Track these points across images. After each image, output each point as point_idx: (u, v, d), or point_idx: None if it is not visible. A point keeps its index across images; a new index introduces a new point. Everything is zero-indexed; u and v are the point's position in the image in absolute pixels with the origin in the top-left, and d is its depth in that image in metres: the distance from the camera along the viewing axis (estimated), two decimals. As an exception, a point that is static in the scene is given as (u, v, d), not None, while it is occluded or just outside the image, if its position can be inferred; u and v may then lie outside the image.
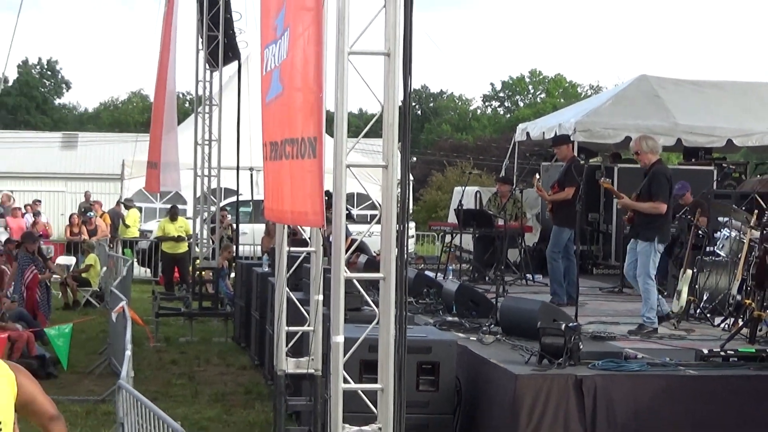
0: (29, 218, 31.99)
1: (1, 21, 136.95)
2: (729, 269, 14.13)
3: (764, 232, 13.19)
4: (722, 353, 11.03)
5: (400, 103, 7.39)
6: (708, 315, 14.24)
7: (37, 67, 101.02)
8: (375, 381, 7.67)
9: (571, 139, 19.59)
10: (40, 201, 37.67)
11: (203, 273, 24.04)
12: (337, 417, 7.53)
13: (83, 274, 26.48)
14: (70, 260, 27.94)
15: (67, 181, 48.74)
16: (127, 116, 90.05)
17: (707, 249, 15.17)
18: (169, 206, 30.17)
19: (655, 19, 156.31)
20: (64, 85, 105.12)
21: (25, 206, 35.65)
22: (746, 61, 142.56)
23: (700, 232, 15.51)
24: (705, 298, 14.60)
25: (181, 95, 39.21)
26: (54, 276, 25.33)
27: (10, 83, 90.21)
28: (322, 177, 7.64)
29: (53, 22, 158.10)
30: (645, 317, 13.07)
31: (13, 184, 41.75)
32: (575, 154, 18.87)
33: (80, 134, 67.25)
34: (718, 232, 15.13)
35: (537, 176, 18.83)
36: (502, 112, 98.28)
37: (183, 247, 26.13)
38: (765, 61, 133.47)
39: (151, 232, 32.00)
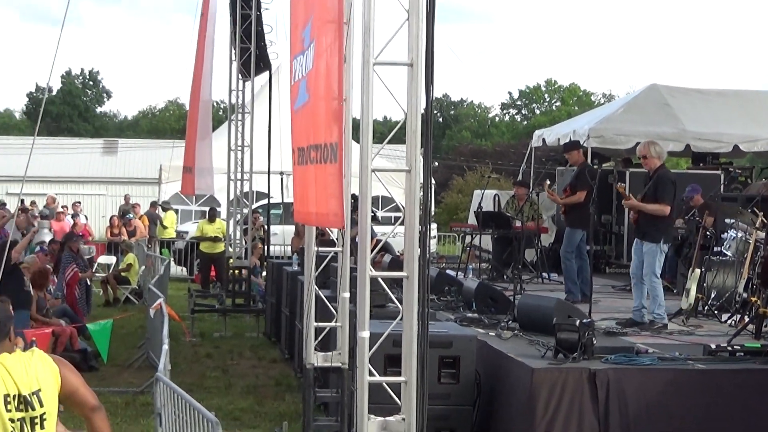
0: (70, 219, 32.09)
1: (46, 35, 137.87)
2: (735, 268, 14.10)
3: (767, 234, 13.17)
4: (729, 348, 11.01)
5: (423, 111, 7.39)
6: (715, 312, 14.21)
7: (80, 77, 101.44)
8: (399, 374, 7.67)
9: (585, 144, 19.61)
10: (79, 203, 37.76)
11: (236, 271, 24.15)
12: (363, 408, 7.53)
13: (123, 273, 26.58)
14: (111, 259, 28.04)
15: (108, 185, 48.94)
16: (164, 123, 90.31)
17: (715, 249, 15.15)
18: (203, 209, 30.26)
19: (665, 31, 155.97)
20: (105, 95, 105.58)
21: (63, 207, 35.79)
22: (751, 71, 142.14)
23: (708, 232, 15.50)
24: (713, 295, 14.58)
25: (215, 104, 39.29)
26: (95, 274, 25.48)
27: (54, 93, 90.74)
28: (342, 181, 7.66)
29: (95, 35, 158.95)
30: (655, 314, 13.04)
31: (57, 188, 41.90)
32: (588, 159, 18.89)
33: (120, 141, 67.50)
34: (725, 233, 15.10)
35: (548, 182, 18.88)
36: (519, 120, 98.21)
37: (220, 247, 26.18)
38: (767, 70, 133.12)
39: (187, 233, 32.07)
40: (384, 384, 7.74)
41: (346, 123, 9.90)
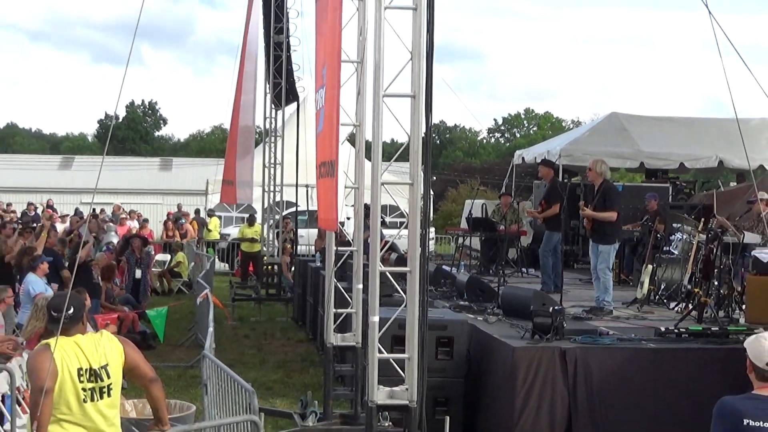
0: (136, 224, 32.09)
1: (113, 72, 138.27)
2: (681, 264, 14.08)
3: (708, 235, 13.17)
4: (676, 331, 11.01)
5: (423, 135, 7.38)
6: (665, 300, 14.21)
7: (141, 107, 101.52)
8: (403, 351, 7.66)
9: (557, 162, 19.62)
10: (135, 211, 37.71)
11: (270, 267, 24.21)
12: (373, 380, 7.52)
13: (176, 268, 26.60)
14: (166, 257, 28.03)
15: (164, 195, 48.89)
16: (210, 145, 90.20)
17: (664, 248, 15.14)
18: (243, 215, 30.26)
19: (623, 69, 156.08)
20: (161, 121, 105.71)
21: (129, 213, 35.83)
22: (692, 100, 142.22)
23: (658, 235, 15.52)
24: (662, 287, 14.57)
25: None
26: (154, 269, 25.50)
27: (120, 120, 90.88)
28: (336, 192, 7.69)
29: (153, 72, 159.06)
30: (605, 301, 13.13)
31: (121, 198, 41.92)
32: (560, 174, 18.94)
33: (174, 159, 67.45)
34: (673, 236, 15.09)
35: (525, 204, 19.03)
36: (503, 142, 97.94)
37: (257, 247, 26.19)
38: (707, 100, 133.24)
39: (229, 235, 32.08)
40: (391, 360, 7.73)
41: (360, 144, 9.93)
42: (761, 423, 4.91)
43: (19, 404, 9.23)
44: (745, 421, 4.92)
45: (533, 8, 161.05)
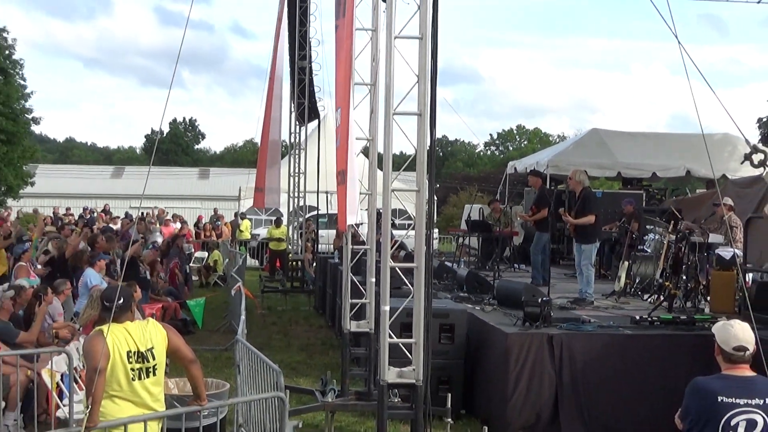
0: (178, 225, 32.13)
1: (159, 94, 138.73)
2: (654, 261, 14.07)
3: (677, 236, 13.17)
4: (649, 319, 11.04)
5: (428, 148, 7.38)
6: (639, 292, 14.21)
7: (182, 123, 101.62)
8: (410, 337, 7.64)
9: (545, 171, 19.62)
10: (177, 215, 37.71)
11: (294, 263, 24.25)
12: (384, 361, 7.51)
13: (212, 264, 26.63)
14: (204, 254, 28.06)
15: (202, 201, 48.90)
16: (242, 156, 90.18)
17: (639, 247, 15.14)
18: (271, 218, 30.27)
19: (603, 90, 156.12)
20: (200, 136, 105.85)
21: (173, 216, 35.88)
22: (663, 117, 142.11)
23: (633, 235, 15.54)
24: (637, 281, 14.57)
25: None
26: (193, 265, 25.57)
27: (164, 134, 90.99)
28: (345, 197, 7.70)
29: (193, 93, 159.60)
30: (587, 293, 13.16)
31: (165, 203, 41.94)
32: (548, 182, 18.95)
33: (211, 169, 67.54)
34: (647, 236, 15.07)
35: (517, 209, 19.13)
36: (498, 154, 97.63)
37: (283, 246, 26.18)
38: (674, 117, 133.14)
39: (258, 235, 32.08)
40: (400, 344, 7.72)
41: (372, 156, 9.94)
42: (733, 399, 4.93)
43: (76, 382, 9.25)
44: (719, 398, 4.94)
45: (524, 38, 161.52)
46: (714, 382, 5.07)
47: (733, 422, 4.90)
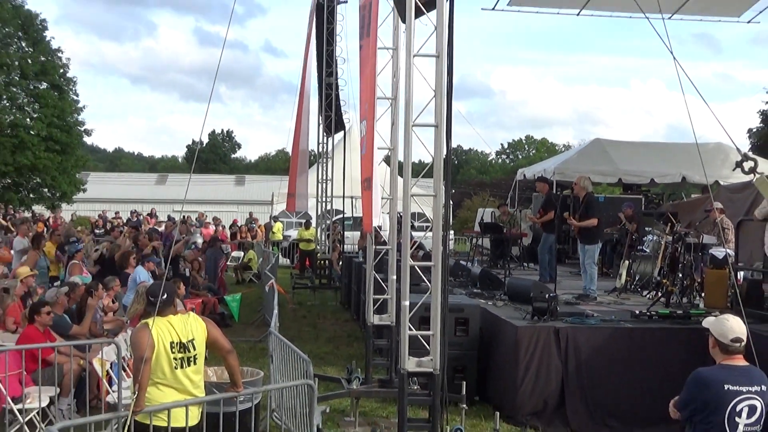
0: (215, 227, 32.26)
1: (198, 107, 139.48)
2: (652, 260, 14.02)
3: (673, 237, 13.12)
4: (648, 313, 10.99)
5: (444, 156, 7.37)
6: (638, 289, 14.16)
7: (220, 135, 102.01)
8: (428, 329, 7.63)
9: (552, 178, 19.56)
10: (217, 217, 37.83)
11: (322, 262, 24.29)
12: (404, 351, 7.51)
13: (248, 263, 26.69)
14: (240, 254, 28.12)
15: (238, 205, 49.01)
16: (275, 165, 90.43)
17: (638, 247, 15.08)
18: (301, 220, 30.31)
19: (605, 103, 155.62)
20: (236, 146, 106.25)
21: (213, 219, 36.00)
22: (660, 128, 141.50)
23: (633, 236, 15.46)
24: (637, 278, 14.51)
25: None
26: (229, 264, 25.65)
27: (204, 145, 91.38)
28: (371, 202, 7.69)
29: (230, 107, 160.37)
30: (591, 290, 13.12)
31: (205, 207, 42.04)
32: (554, 188, 18.89)
33: (246, 176, 67.75)
34: (645, 237, 15.01)
35: (527, 212, 19.08)
36: (508, 162, 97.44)
37: (312, 246, 26.19)
38: (669, 127, 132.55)
39: (290, 236, 32.13)
40: (419, 336, 7.71)
41: (394, 164, 9.94)
42: (738, 387, 4.92)
43: (124, 370, 9.29)
44: (726, 386, 4.93)
45: (532, 55, 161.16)
46: (718, 371, 5.05)
47: (738, 408, 4.90)
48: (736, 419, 4.88)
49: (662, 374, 9.59)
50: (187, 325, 6.32)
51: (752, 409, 4.90)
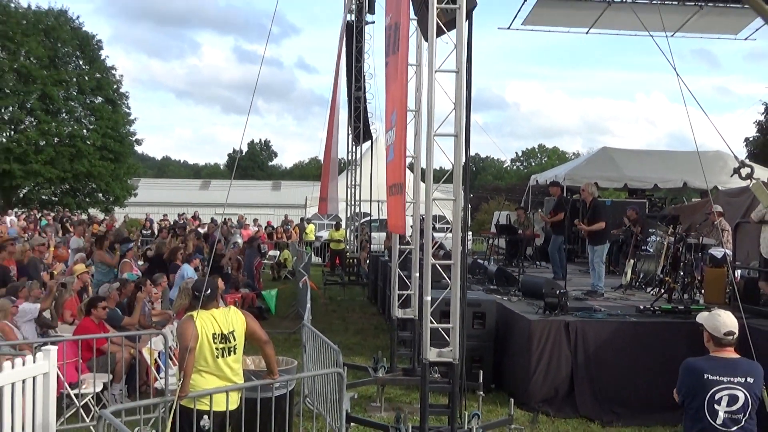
0: (255, 228, 32.35)
1: (238, 119, 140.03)
2: (655, 259, 13.94)
3: (675, 238, 13.03)
4: (651, 308, 10.92)
5: (463, 163, 7.35)
6: (643, 286, 14.07)
7: (259, 144, 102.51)
8: (448, 322, 7.61)
9: (562, 183, 19.44)
10: (256, 219, 37.97)
11: (351, 260, 24.31)
12: (426, 343, 7.49)
13: (283, 261, 26.76)
14: (276, 253, 28.20)
15: (274, 208, 49.11)
16: (308, 171, 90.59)
17: (642, 247, 14.99)
18: (332, 222, 30.37)
19: (611, 114, 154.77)
20: (273, 155, 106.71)
21: (253, 221, 36.16)
22: (662, 136, 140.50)
23: (638, 237, 15.35)
24: (641, 276, 14.43)
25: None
26: (267, 261, 25.73)
27: (243, 153, 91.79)
28: (404, 206, 7.67)
29: (267, 119, 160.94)
30: (598, 286, 13.06)
31: (244, 210, 42.06)
32: (565, 192, 18.79)
33: (282, 182, 67.98)
34: (649, 238, 14.91)
35: (540, 211, 18.98)
36: (522, 168, 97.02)
37: (342, 246, 26.21)
38: (671, 136, 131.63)
39: (321, 237, 32.17)
40: (439, 328, 7.69)
41: (417, 171, 9.92)
42: (717, 377, 4.91)
43: (171, 359, 9.34)
44: (705, 376, 4.93)
45: (543, 70, 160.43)
46: (701, 362, 5.06)
47: (717, 396, 4.89)
48: (715, 407, 4.88)
49: (664, 365, 9.48)
50: (228, 318, 6.34)
51: (733, 399, 4.87)
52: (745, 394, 4.88)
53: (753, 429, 4.93)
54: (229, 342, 6.28)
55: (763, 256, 9.88)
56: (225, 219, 32.34)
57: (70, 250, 17.82)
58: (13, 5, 40.88)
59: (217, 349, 6.21)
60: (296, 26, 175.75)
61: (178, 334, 6.40)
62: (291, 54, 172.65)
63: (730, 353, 5.05)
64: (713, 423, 4.88)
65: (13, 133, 40.04)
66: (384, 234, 23.75)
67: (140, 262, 16.90)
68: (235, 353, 6.33)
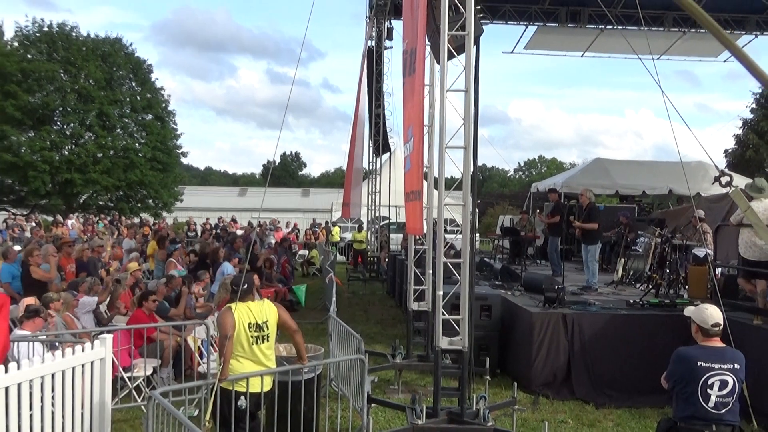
0: (287, 230, 32.40)
1: (271, 134, 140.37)
2: (644, 258, 13.86)
3: (662, 239, 12.95)
4: (640, 302, 10.83)
5: (471, 173, 7.34)
6: (633, 282, 13.95)
7: (290, 155, 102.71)
8: (458, 314, 7.59)
9: (560, 190, 19.36)
10: (294, 222, 38.03)
11: (372, 258, 24.31)
12: (439, 333, 7.48)
13: (312, 260, 26.79)
14: (305, 252, 28.24)
15: (304, 213, 49.19)
16: (334, 180, 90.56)
17: (632, 248, 14.89)
18: (355, 225, 30.37)
19: (604, 128, 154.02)
20: (302, 164, 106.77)
21: (287, 223, 36.22)
22: (649, 148, 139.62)
23: (628, 238, 15.27)
24: (631, 273, 14.33)
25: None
26: (297, 260, 25.78)
27: (276, 164, 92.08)
28: (422, 210, 7.65)
29: (297, 133, 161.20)
30: (592, 282, 12.96)
31: (277, 214, 42.20)
32: (562, 198, 18.71)
33: (311, 189, 68.06)
34: (638, 239, 14.81)
35: (539, 212, 18.90)
36: (524, 177, 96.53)
37: (364, 246, 26.23)
38: (657, 148, 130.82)
39: (345, 238, 32.19)
40: (450, 320, 7.67)
41: (430, 179, 9.90)
42: (710, 364, 4.88)
43: (212, 346, 9.37)
44: (699, 363, 4.90)
45: (542, 89, 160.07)
46: (694, 350, 5.01)
47: (710, 381, 4.85)
48: (708, 391, 4.84)
49: (652, 352, 9.43)
50: (262, 310, 6.36)
51: (723, 383, 4.83)
52: (733, 379, 4.85)
53: (737, 411, 4.91)
54: (263, 331, 6.30)
55: (741, 255, 9.77)
56: (260, 222, 32.45)
57: (123, 250, 17.94)
58: (74, 34, 41.33)
59: (252, 336, 6.23)
60: (321, 51, 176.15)
61: (218, 324, 6.42)
62: (317, 75, 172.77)
63: (717, 342, 5.02)
64: (706, 406, 4.84)
65: (74, 146, 40.39)
66: (401, 235, 23.75)
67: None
68: (268, 341, 6.34)
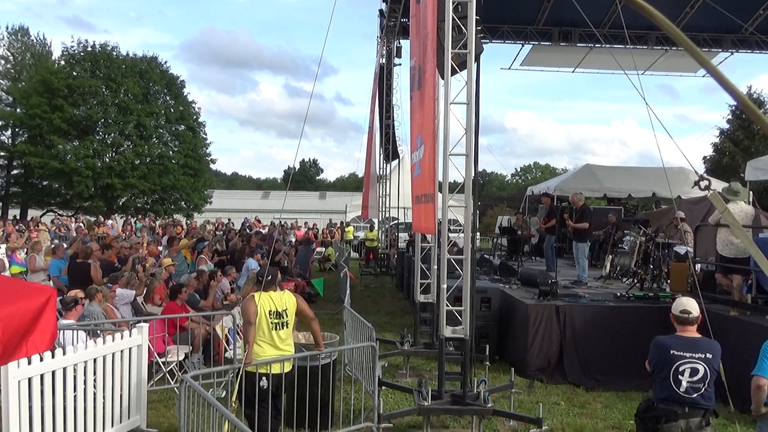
0: (304, 229, 32.45)
1: (291, 143, 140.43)
2: (630, 255, 13.76)
3: (646, 238, 12.87)
4: (626, 295, 10.78)
5: (472, 177, 7.32)
6: (619, 277, 13.88)
7: (308, 162, 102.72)
8: (460, 305, 7.58)
9: (553, 194, 19.30)
10: (306, 223, 38.03)
11: (382, 255, 24.29)
12: (443, 322, 7.46)
13: (328, 256, 26.80)
14: (322, 249, 28.28)
15: (321, 214, 49.25)
16: (348, 184, 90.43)
17: (619, 245, 14.80)
18: (367, 225, 30.38)
19: (593, 137, 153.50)
20: (319, 170, 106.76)
21: (304, 224, 36.23)
22: (634, 154, 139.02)
23: (615, 237, 15.19)
24: (618, 269, 14.24)
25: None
26: (315, 257, 25.81)
27: (296, 170, 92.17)
28: (435, 212, 7.64)
29: (314, 141, 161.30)
30: (583, 277, 12.90)
31: (297, 215, 42.36)
32: (555, 201, 18.63)
33: (327, 192, 68.10)
34: (625, 238, 14.73)
35: (534, 218, 18.88)
36: (520, 182, 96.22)
37: (375, 243, 26.24)
38: (641, 155, 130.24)
39: (358, 236, 32.22)
40: (453, 310, 7.66)
41: (435, 184, 9.89)
42: (682, 352, 4.83)
43: (238, 334, 9.39)
44: (671, 351, 4.85)
45: (537, 102, 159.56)
46: (668, 339, 4.97)
47: (681, 369, 4.81)
48: (680, 377, 4.80)
49: (637, 341, 9.36)
50: (282, 299, 6.39)
51: (694, 371, 4.78)
52: (704, 367, 4.79)
53: (711, 396, 4.85)
54: (282, 318, 6.32)
55: (718, 252, 9.71)
56: (281, 222, 32.50)
57: (159, 248, 17.99)
58: (115, 53, 41.69)
59: (272, 323, 6.26)
60: (334, 67, 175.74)
61: (243, 311, 6.44)
62: (331, 89, 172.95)
63: (692, 333, 4.96)
64: (677, 390, 4.81)
65: (114, 154, 40.70)
66: (406, 235, 23.73)
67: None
68: (287, 327, 6.37)
